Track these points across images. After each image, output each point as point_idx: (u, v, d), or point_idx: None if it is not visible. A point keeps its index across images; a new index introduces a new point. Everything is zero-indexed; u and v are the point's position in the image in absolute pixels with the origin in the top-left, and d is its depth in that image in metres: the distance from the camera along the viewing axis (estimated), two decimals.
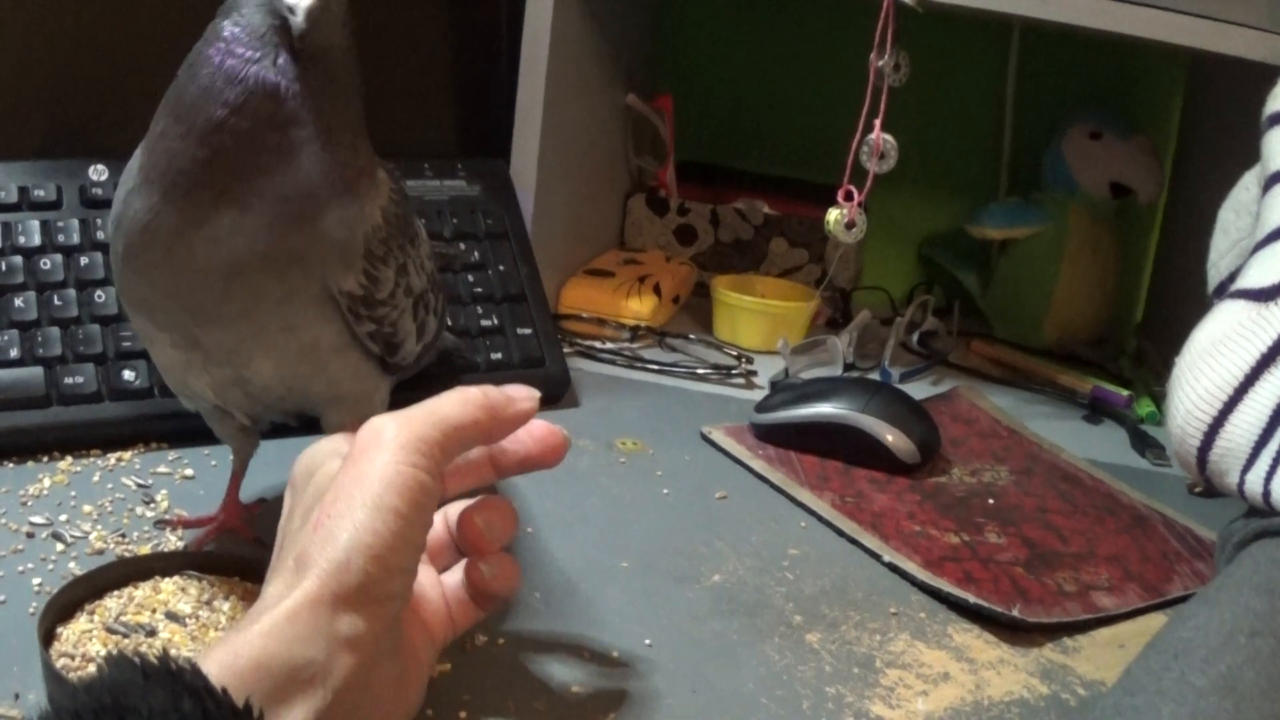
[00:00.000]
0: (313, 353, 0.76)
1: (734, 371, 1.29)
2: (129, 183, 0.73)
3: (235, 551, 0.82)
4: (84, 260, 1.00)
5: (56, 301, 0.98)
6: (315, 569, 0.59)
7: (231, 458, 0.87)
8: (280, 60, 0.70)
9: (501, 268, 1.19)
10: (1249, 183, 0.95)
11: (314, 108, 0.70)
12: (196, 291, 0.72)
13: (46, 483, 0.91)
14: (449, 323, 1.08)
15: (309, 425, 0.83)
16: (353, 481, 0.62)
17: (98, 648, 0.69)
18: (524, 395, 0.70)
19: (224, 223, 0.69)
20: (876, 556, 0.94)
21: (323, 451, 0.69)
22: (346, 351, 0.78)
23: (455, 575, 0.71)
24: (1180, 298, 1.44)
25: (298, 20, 0.68)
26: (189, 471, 0.95)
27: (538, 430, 0.71)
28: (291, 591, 0.58)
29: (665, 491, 1.02)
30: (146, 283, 0.73)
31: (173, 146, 0.70)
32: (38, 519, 0.86)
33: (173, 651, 0.54)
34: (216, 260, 0.70)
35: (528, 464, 0.72)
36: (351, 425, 0.80)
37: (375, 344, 0.79)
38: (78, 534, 0.84)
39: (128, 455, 0.96)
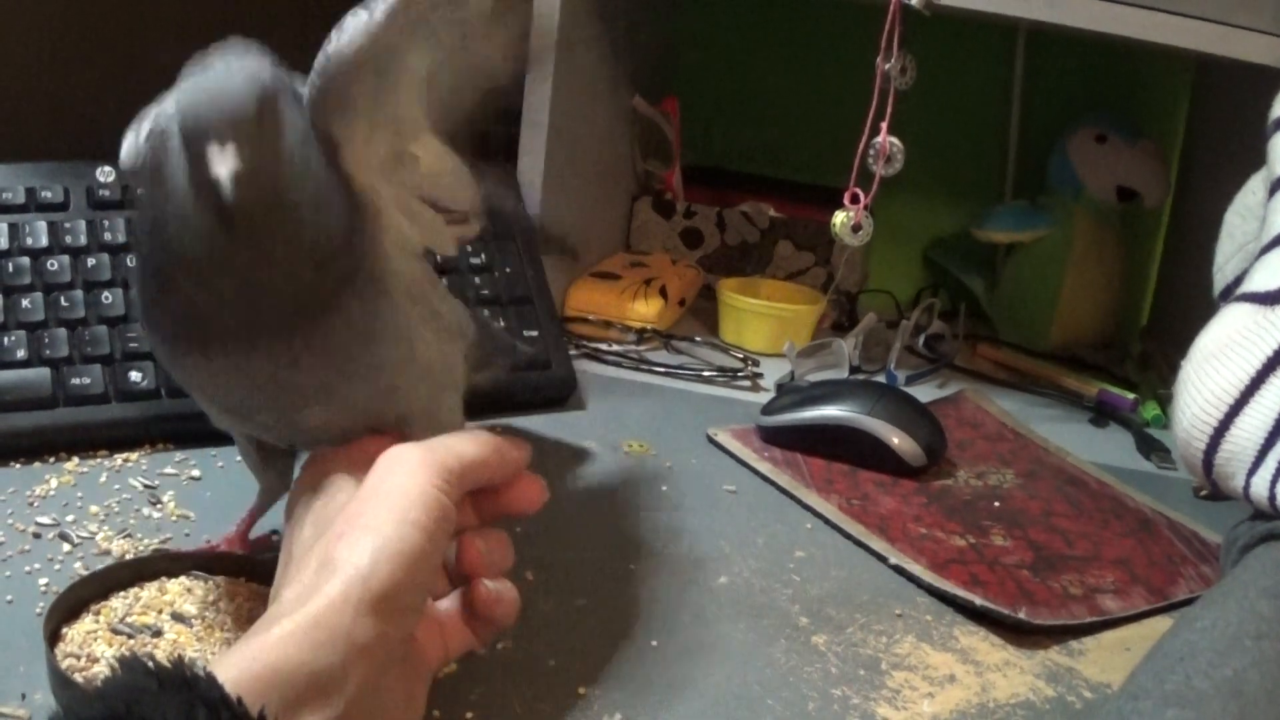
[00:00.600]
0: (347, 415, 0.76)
1: (740, 374, 1.29)
2: (142, 310, 0.71)
3: (242, 553, 0.83)
4: (91, 261, 1.00)
5: (63, 303, 0.98)
6: (341, 573, 0.59)
7: (258, 491, 0.85)
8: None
9: (508, 270, 1.19)
10: (1255, 186, 0.95)
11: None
12: (229, 400, 0.72)
13: (53, 483, 0.91)
14: None
15: None
16: (379, 497, 0.63)
17: (103, 648, 0.69)
18: (519, 444, 0.72)
19: (238, 358, 0.68)
20: (883, 559, 0.94)
21: (325, 470, 0.70)
22: None
23: (447, 603, 0.71)
24: (1186, 301, 1.44)
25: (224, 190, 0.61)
26: (195, 473, 0.95)
27: (523, 479, 0.72)
28: (314, 595, 0.59)
29: (672, 493, 1.02)
30: (192, 387, 0.73)
31: (172, 298, 0.67)
32: (44, 519, 0.86)
33: (187, 656, 0.54)
34: (244, 384, 0.69)
35: (508, 509, 0.72)
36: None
37: None
38: (84, 534, 0.85)
39: (134, 456, 0.96)
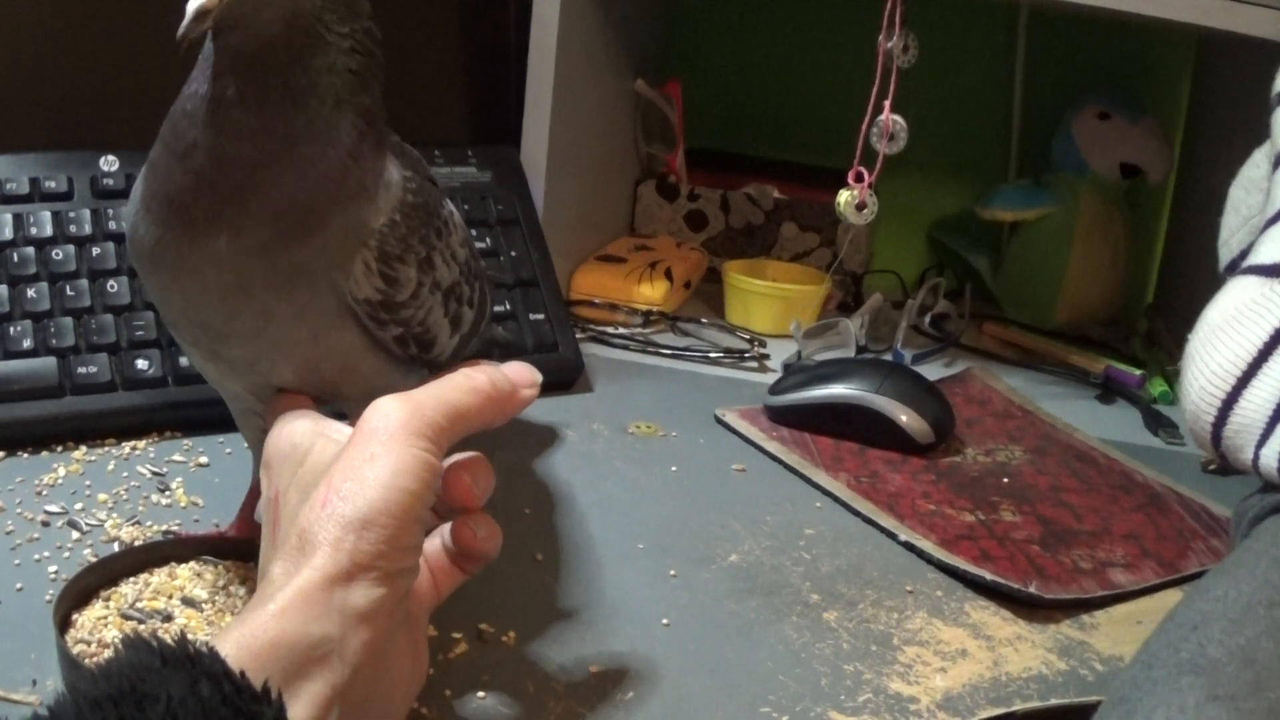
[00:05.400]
0: (338, 357, 0.74)
1: (747, 355, 1.29)
2: (134, 206, 0.72)
3: (250, 537, 0.83)
4: (96, 250, 1.00)
5: (69, 292, 0.98)
6: (324, 547, 0.59)
7: (252, 466, 0.84)
8: (227, 69, 0.67)
9: (514, 254, 1.19)
10: (1259, 160, 0.95)
11: (285, 107, 0.68)
12: (207, 312, 0.71)
13: (61, 472, 0.91)
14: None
15: None
16: (362, 461, 0.61)
17: (113, 634, 0.69)
18: (527, 381, 0.69)
19: (222, 245, 0.68)
20: (892, 536, 0.94)
21: (301, 430, 0.69)
22: (374, 353, 0.76)
23: (432, 542, 0.70)
24: (1191, 277, 1.44)
25: (182, 25, 0.65)
26: (203, 459, 0.95)
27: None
28: (301, 570, 0.58)
29: (681, 474, 1.02)
30: (164, 303, 0.73)
31: (163, 175, 0.69)
32: (53, 508, 0.86)
33: (190, 635, 0.54)
34: (221, 282, 0.69)
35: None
36: None
37: (405, 347, 0.77)
38: (93, 522, 0.85)
39: (142, 444, 0.97)
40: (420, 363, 0.80)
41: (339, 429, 0.69)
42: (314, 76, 0.69)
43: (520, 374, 0.69)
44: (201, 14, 0.64)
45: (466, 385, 0.66)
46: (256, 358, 0.73)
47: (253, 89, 0.68)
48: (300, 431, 0.69)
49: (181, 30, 0.64)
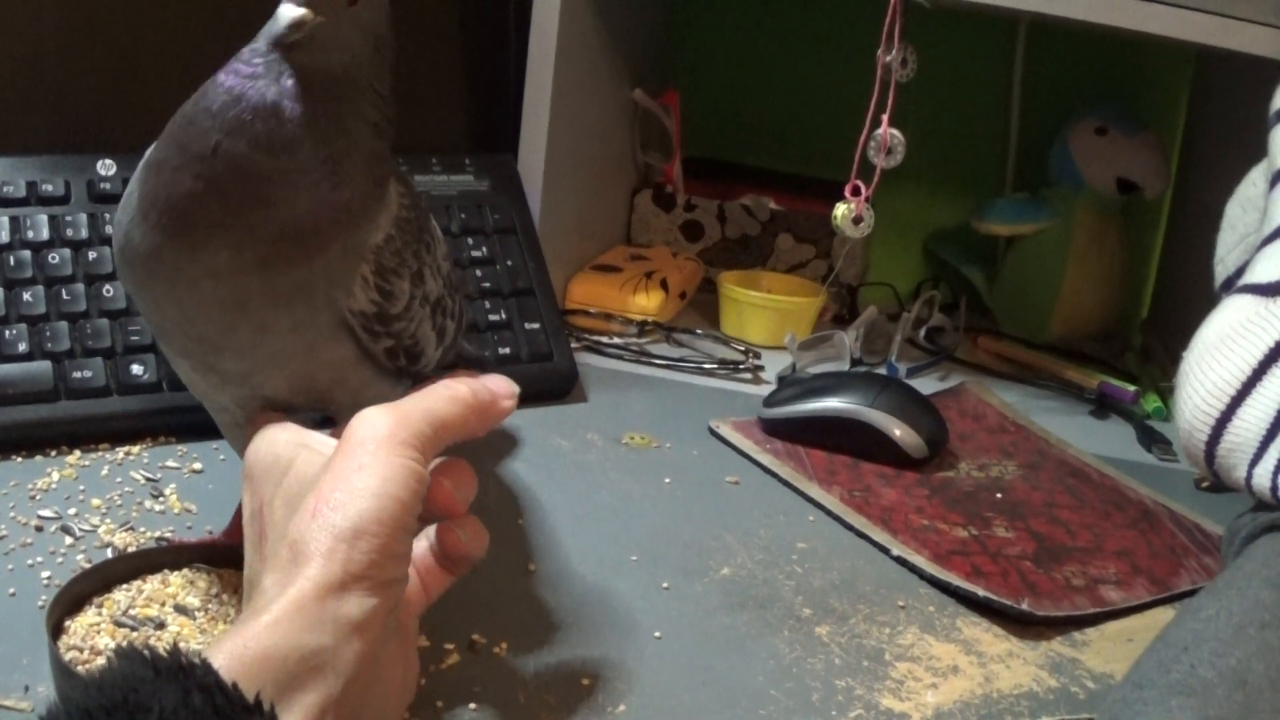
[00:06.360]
0: (332, 369, 0.75)
1: (741, 366, 1.29)
2: (129, 212, 0.71)
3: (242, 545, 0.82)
4: (92, 255, 1.00)
5: (65, 296, 0.98)
6: (317, 558, 0.59)
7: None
8: (284, 80, 0.68)
9: (509, 263, 1.19)
10: (1256, 178, 0.95)
11: (319, 133, 0.68)
12: (202, 324, 0.71)
13: (55, 477, 0.91)
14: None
15: None
16: (351, 471, 0.62)
17: (106, 641, 0.69)
18: (505, 393, 0.70)
19: (222, 259, 0.68)
20: (885, 550, 0.94)
21: (283, 441, 0.69)
22: (364, 365, 0.76)
23: (418, 545, 0.70)
24: (1187, 293, 1.44)
25: (277, 27, 0.67)
26: (197, 465, 0.95)
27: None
28: (294, 581, 0.59)
29: (674, 486, 1.02)
30: (157, 313, 0.73)
31: (169, 177, 0.68)
32: (46, 513, 0.86)
33: (183, 646, 0.54)
34: (219, 296, 0.69)
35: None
36: None
37: (394, 359, 0.77)
38: (86, 528, 0.85)
39: (136, 449, 0.96)
40: (407, 374, 0.80)
41: (321, 440, 0.69)
42: (346, 113, 0.70)
43: (499, 386, 0.70)
44: (298, 25, 0.67)
45: (449, 395, 0.67)
46: (250, 370, 0.73)
47: (296, 105, 0.68)
48: (282, 443, 0.69)
49: (277, 35, 0.67)
